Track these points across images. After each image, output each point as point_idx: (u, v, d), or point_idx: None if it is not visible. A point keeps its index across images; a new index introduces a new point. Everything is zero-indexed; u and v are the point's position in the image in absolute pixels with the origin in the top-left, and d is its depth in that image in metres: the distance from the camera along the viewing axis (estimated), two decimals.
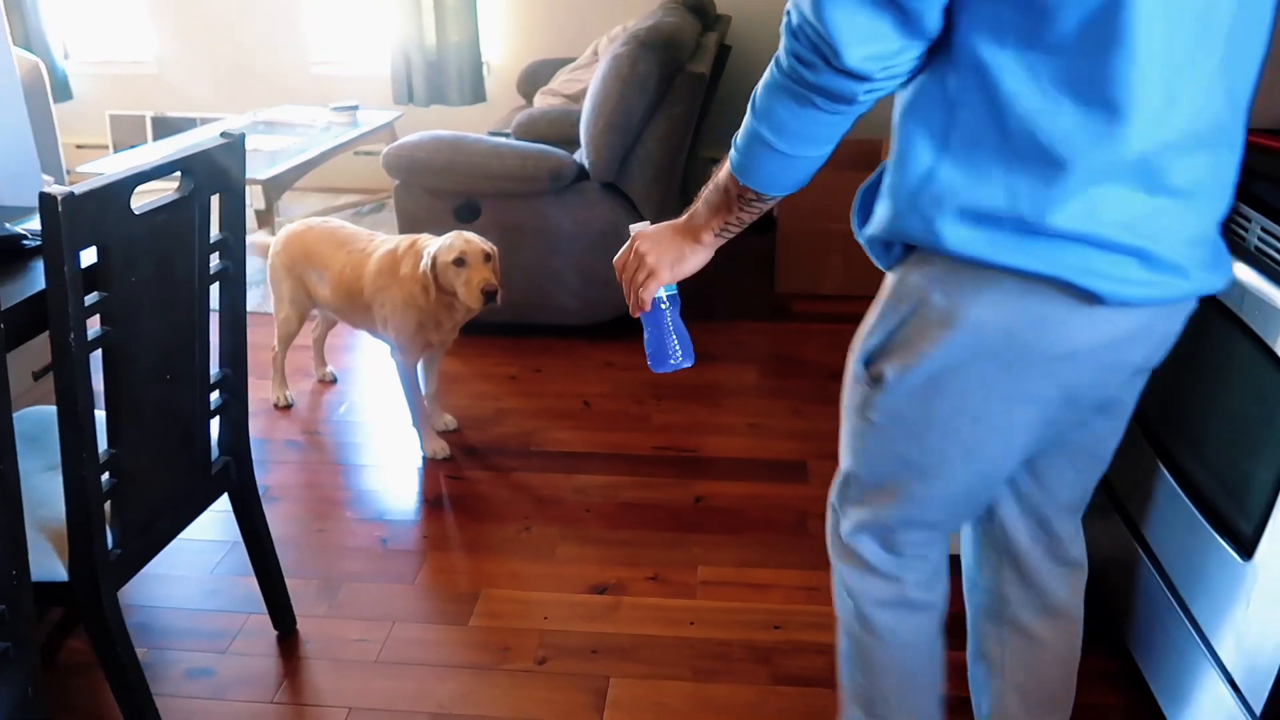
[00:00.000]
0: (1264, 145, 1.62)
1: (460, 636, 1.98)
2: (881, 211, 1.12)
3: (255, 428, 2.77)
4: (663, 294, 1.33)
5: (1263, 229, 1.43)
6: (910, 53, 0.99)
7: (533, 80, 4.65)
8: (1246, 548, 1.43)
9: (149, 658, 1.91)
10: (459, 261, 2.36)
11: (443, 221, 3.20)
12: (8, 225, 1.78)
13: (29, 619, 1.36)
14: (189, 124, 4.75)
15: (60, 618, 2.03)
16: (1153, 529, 1.74)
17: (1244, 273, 1.40)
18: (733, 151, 1.13)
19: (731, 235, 1.24)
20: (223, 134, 1.58)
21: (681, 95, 3.09)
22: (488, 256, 2.40)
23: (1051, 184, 0.96)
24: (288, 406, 2.91)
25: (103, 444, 1.45)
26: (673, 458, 2.61)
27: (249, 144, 3.97)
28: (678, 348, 1.35)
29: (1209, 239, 1.06)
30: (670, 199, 3.29)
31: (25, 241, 1.68)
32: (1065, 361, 1.07)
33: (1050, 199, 0.96)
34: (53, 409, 1.43)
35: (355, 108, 4.58)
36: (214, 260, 1.62)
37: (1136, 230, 0.98)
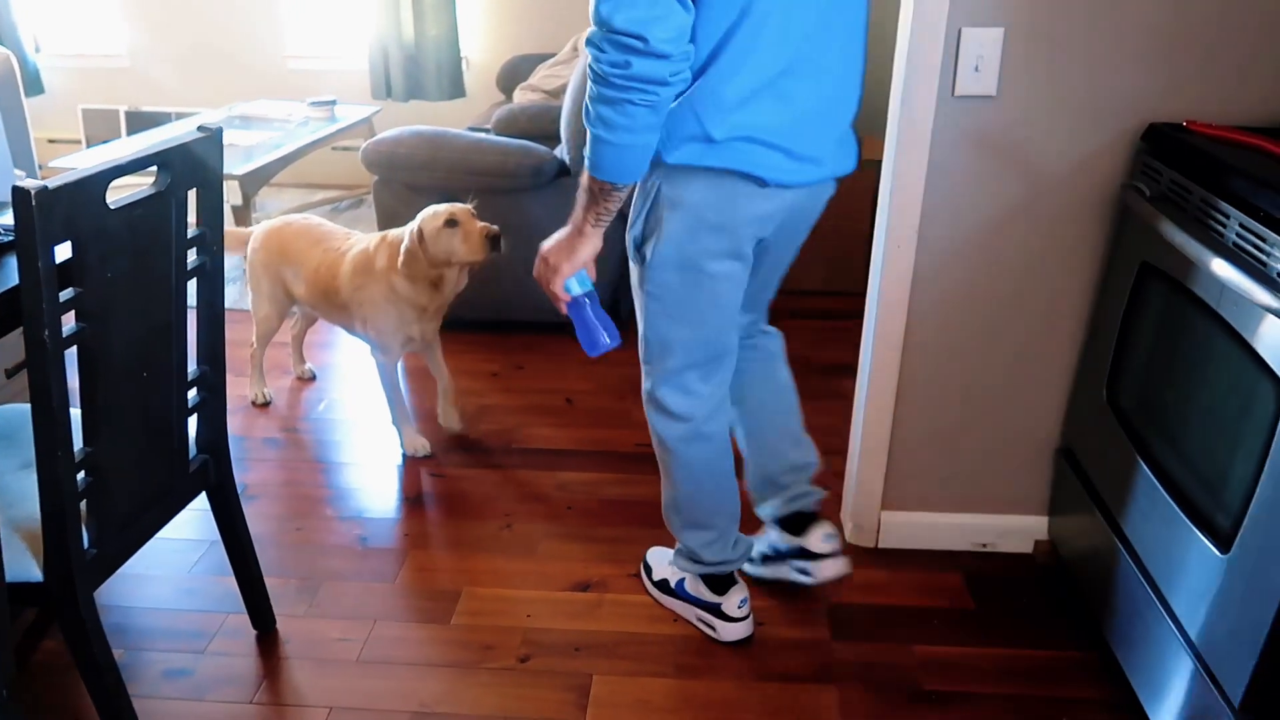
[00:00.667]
0: (1240, 141, 1.63)
1: (442, 635, 1.97)
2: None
3: (233, 425, 2.74)
4: (577, 289, 1.63)
5: (1240, 225, 1.44)
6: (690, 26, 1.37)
7: (512, 75, 4.63)
8: (1224, 541, 1.44)
9: (126, 658, 1.89)
10: (451, 223, 2.35)
11: None
12: None
13: (3, 620, 1.34)
14: (164, 118, 4.69)
15: (35, 618, 2.00)
16: (1131, 523, 1.76)
17: (1222, 268, 1.41)
18: (589, 163, 1.48)
19: (608, 221, 1.57)
20: (200, 127, 1.55)
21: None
22: (474, 215, 2.39)
23: (720, 111, 1.46)
24: (266, 404, 2.88)
25: (78, 442, 1.43)
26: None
27: (226, 139, 3.93)
28: (603, 332, 1.64)
29: (838, 137, 1.63)
30: None
31: None
32: (753, 225, 1.59)
33: (721, 121, 1.46)
34: (27, 406, 1.41)
35: (333, 103, 4.55)
36: (191, 256, 1.60)
37: (780, 134, 1.51)
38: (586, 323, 1.63)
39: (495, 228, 2.36)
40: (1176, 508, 1.59)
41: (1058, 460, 2.10)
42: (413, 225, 2.40)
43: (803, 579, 1.98)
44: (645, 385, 1.79)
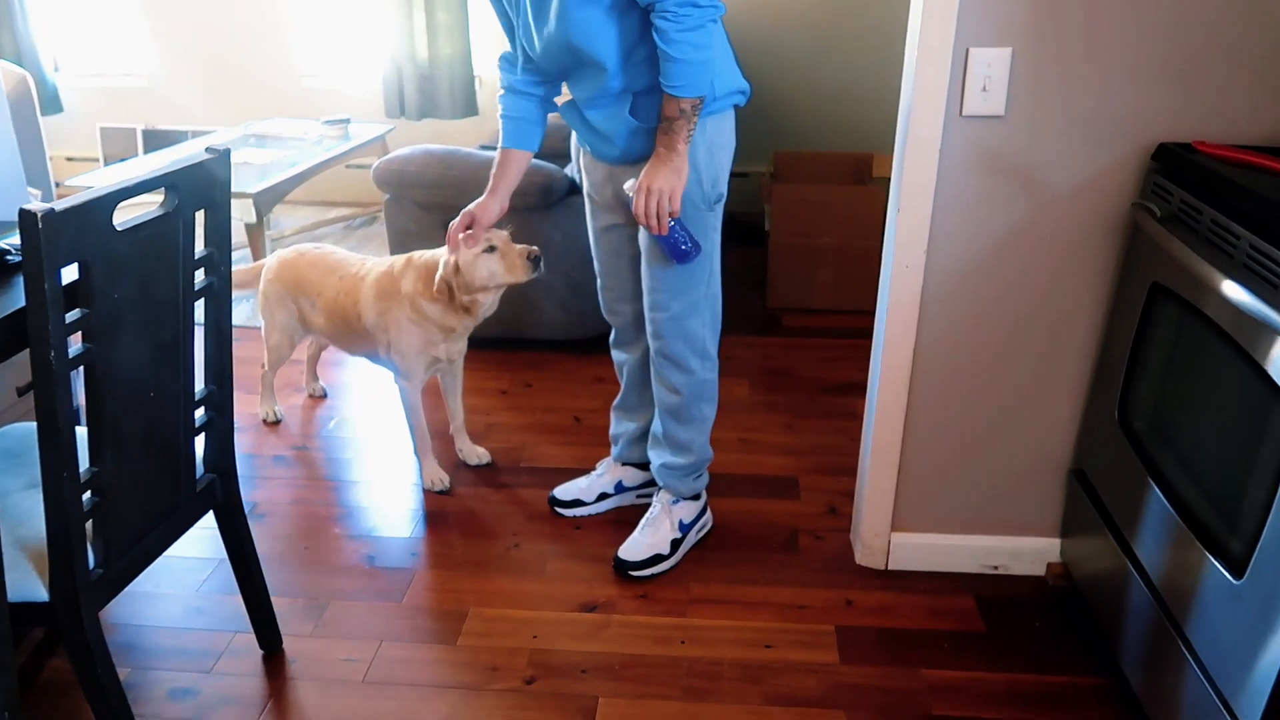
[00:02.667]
0: (1250, 162, 1.62)
1: (448, 655, 1.96)
2: None
3: (243, 443, 2.75)
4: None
5: (1251, 245, 1.43)
6: None
7: None
8: (1238, 566, 1.42)
9: (132, 678, 1.89)
10: (490, 249, 2.32)
11: (434, 235, 3.18)
12: None
13: (7, 640, 1.34)
14: (180, 137, 4.73)
15: (42, 637, 2.00)
16: (1144, 546, 1.74)
17: (1233, 290, 1.40)
18: (685, 89, 1.76)
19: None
20: (208, 149, 1.56)
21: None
22: (510, 239, 2.38)
23: (732, 61, 1.98)
24: (276, 422, 2.89)
25: (84, 462, 1.43)
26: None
27: (240, 157, 3.96)
28: (694, 245, 1.92)
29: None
30: None
31: (9, 257, 1.66)
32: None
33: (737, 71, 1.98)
34: (34, 425, 1.41)
35: (347, 121, 4.58)
36: (199, 276, 1.61)
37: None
38: (686, 237, 1.90)
39: (535, 249, 2.35)
40: (1189, 531, 1.57)
41: (1070, 482, 2.08)
42: (450, 253, 2.33)
43: (649, 500, 2.33)
44: (698, 321, 2.06)
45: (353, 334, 2.56)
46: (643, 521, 2.25)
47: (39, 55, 5.01)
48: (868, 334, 2.17)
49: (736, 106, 1.98)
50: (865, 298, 3.76)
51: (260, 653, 1.96)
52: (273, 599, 1.97)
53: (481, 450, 2.68)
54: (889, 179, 2.00)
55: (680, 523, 2.23)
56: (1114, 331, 1.91)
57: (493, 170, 2.13)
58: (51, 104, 5.07)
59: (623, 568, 2.18)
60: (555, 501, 2.44)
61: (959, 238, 1.91)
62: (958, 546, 2.17)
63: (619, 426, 2.41)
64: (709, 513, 2.32)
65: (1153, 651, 1.67)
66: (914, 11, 1.81)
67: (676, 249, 1.91)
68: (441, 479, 2.55)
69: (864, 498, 2.18)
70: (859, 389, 2.30)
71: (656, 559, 2.19)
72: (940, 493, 2.13)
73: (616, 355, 2.33)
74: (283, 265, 2.69)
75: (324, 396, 3.06)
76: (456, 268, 2.32)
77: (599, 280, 2.24)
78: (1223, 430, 1.53)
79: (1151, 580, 1.70)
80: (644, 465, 2.41)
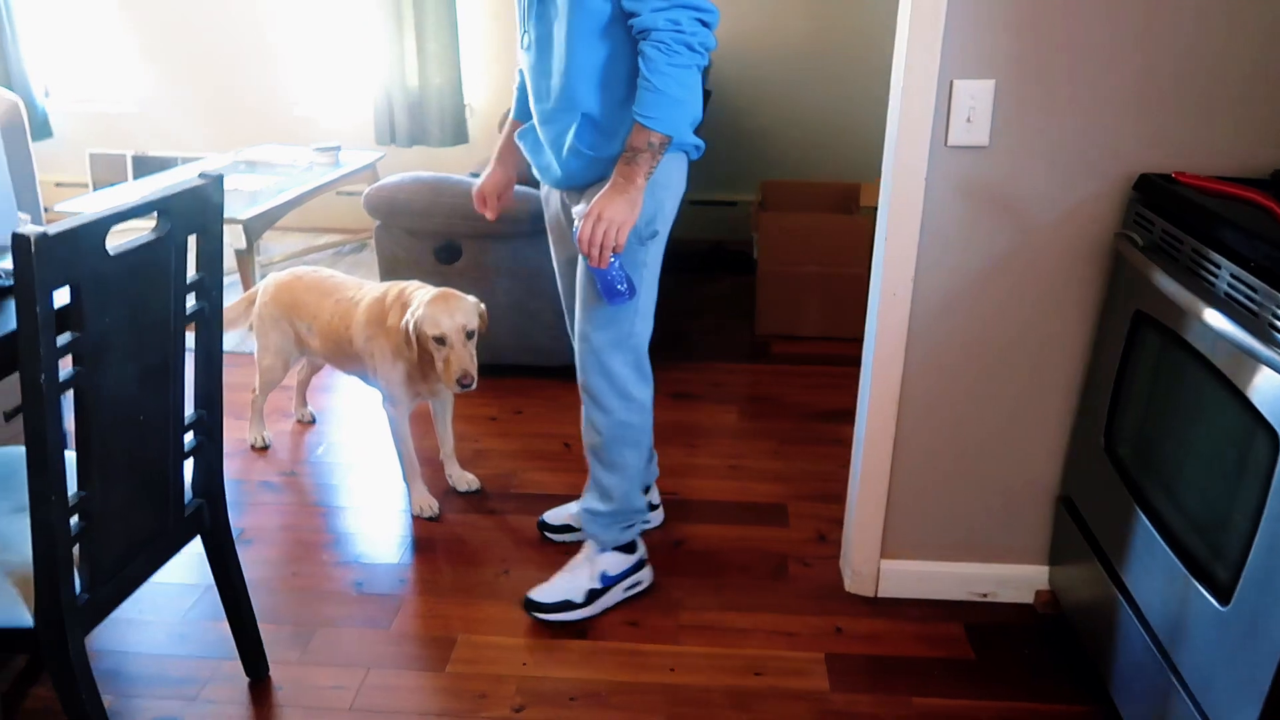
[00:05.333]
0: (1229, 193, 1.65)
1: (436, 683, 1.94)
2: None
3: (231, 469, 2.74)
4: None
5: (1231, 275, 1.45)
6: None
7: None
8: (1224, 593, 1.43)
9: (116, 705, 1.87)
10: (440, 340, 2.30)
11: (423, 262, 3.20)
12: None
13: None
14: (170, 163, 4.74)
15: (25, 664, 1.98)
16: (1131, 574, 1.75)
17: (1215, 319, 1.42)
18: (659, 123, 1.73)
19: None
20: (201, 174, 1.57)
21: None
22: (469, 335, 2.32)
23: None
24: (265, 448, 2.88)
25: (72, 486, 1.43)
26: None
27: (231, 183, 3.96)
28: (629, 286, 1.85)
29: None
30: None
31: None
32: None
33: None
34: (22, 449, 1.41)
35: (337, 148, 4.59)
36: (190, 301, 1.61)
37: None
38: (624, 277, 1.84)
39: (471, 372, 2.30)
40: (1175, 559, 1.58)
41: (1058, 509, 2.09)
42: (417, 312, 2.31)
43: (644, 527, 2.29)
44: (620, 359, 1.97)
45: (347, 357, 2.57)
46: (568, 564, 2.18)
47: (29, 81, 5.02)
48: (855, 361, 2.18)
49: (690, 159, 1.95)
50: (852, 325, 3.80)
51: (246, 680, 1.94)
52: (260, 625, 1.95)
53: (471, 476, 2.67)
54: (876, 208, 2.03)
55: (603, 574, 2.13)
56: (1098, 359, 1.93)
57: (500, 143, 2.16)
58: (41, 129, 5.08)
59: (530, 607, 2.11)
60: (545, 527, 2.43)
61: (945, 266, 1.94)
62: (946, 574, 2.17)
63: None
64: (646, 570, 2.21)
65: (1141, 679, 1.68)
66: (899, 44, 1.84)
67: (611, 287, 1.84)
68: (430, 505, 2.54)
69: (853, 524, 2.18)
70: (847, 416, 2.31)
71: (567, 605, 2.10)
72: (929, 520, 2.14)
73: None
74: (279, 288, 2.69)
75: (313, 422, 3.05)
76: (409, 335, 2.32)
77: (565, 311, 2.22)
78: (1206, 457, 1.55)
79: (1139, 607, 1.71)
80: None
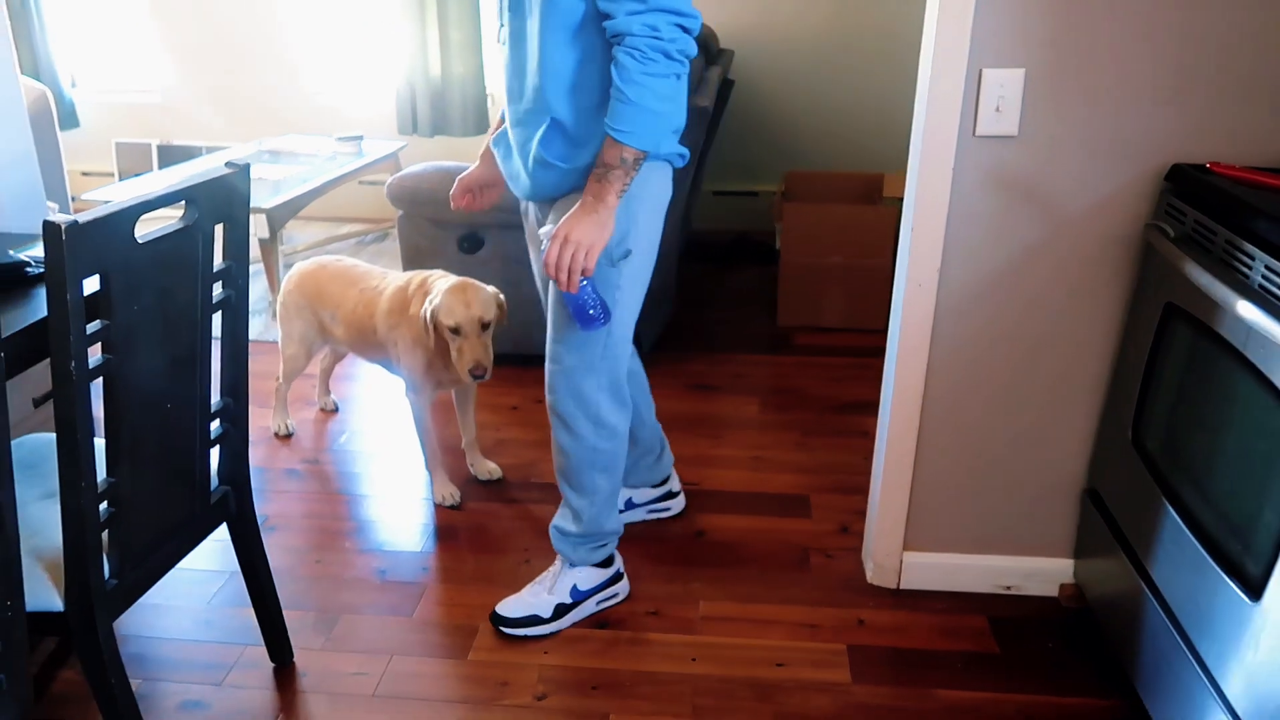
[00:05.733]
0: (1264, 183, 1.62)
1: (458, 670, 1.95)
2: None
3: (255, 456, 2.76)
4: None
5: (1266, 267, 1.43)
6: None
7: None
8: (1255, 588, 1.42)
9: (143, 689, 1.89)
10: (455, 330, 2.31)
11: (446, 252, 3.21)
12: (11, 252, 1.78)
13: (22, 649, 1.34)
14: (195, 152, 4.77)
15: (55, 647, 2.00)
16: (1159, 568, 1.73)
17: (1248, 310, 1.40)
18: (631, 138, 1.61)
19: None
20: (228, 163, 1.58)
21: (685, 128, 3.10)
22: (485, 326, 2.32)
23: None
24: (288, 436, 2.90)
25: (101, 472, 1.44)
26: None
27: (254, 173, 3.99)
28: (603, 310, 1.75)
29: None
30: (673, 231, 3.29)
31: (28, 269, 1.68)
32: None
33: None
34: (51, 436, 1.42)
35: (360, 138, 4.61)
36: (216, 289, 1.62)
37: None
38: (596, 300, 1.74)
39: (485, 362, 2.31)
40: (1204, 553, 1.56)
41: (1084, 502, 2.07)
42: (435, 301, 2.32)
43: (664, 514, 2.44)
44: (593, 383, 1.89)
45: (370, 346, 2.59)
46: (539, 577, 2.12)
47: (57, 71, 5.07)
48: (878, 352, 2.18)
49: (675, 167, 1.84)
50: (875, 316, 3.79)
51: (271, 666, 1.96)
52: (284, 612, 1.97)
53: (492, 465, 2.68)
54: (899, 199, 2.01)
55: (574, 588, 2.06)
56: (1128, 351, 1.91)
57: (486, 139, 2.07)
58: (69, 119, 5.13)
59: (496, 621, 2.06)
60: None
61: (972, 257, 1.92)
62: (970, 566, 2.16)
63: None
64: (623, 583, 2.15)
65: (1167, 674, 1.66)
66: (927, 33, 1.82)
67: (583, 311, 1.73)
68: (452, 494, 2.55)
69: (876, 516, 2.17)
70: (870, 407, 2.30)
71: (533, 620, 2.04)
72: (953, 512, 2.13)
73: None
74: (304, 277, 2.71)
75: (335, 411, 3.07)
76: (434, 318, 2.33)
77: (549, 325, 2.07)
78: (1237, 451, 1.53)
79: (1166, 601, 1.69)
80: (654, 483, 2.41)
